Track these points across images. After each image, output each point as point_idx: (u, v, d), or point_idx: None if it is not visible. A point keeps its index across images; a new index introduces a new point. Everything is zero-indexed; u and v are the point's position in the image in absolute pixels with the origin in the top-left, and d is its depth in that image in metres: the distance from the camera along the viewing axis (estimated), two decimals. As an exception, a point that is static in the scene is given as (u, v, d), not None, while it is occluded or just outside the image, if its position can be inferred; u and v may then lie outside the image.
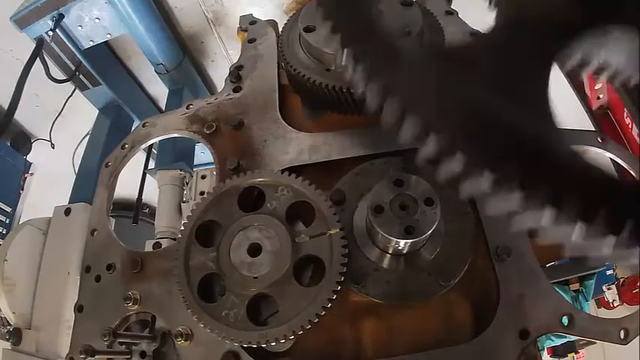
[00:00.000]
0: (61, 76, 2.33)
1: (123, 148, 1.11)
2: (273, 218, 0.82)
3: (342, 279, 0.73)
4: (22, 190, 2.48)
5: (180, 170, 1.91)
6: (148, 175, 2.16)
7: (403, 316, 0.82)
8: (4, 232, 2.30)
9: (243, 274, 0.80)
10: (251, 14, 1.23)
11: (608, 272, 3.95)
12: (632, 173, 1.01)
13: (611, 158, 0.99)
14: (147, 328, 0.95)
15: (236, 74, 1.08)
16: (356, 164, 0.90)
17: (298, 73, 0.91)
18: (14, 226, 2.31)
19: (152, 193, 2.08)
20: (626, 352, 0.95)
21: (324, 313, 0.71)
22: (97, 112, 2.60)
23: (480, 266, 0.82)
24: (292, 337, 0.74)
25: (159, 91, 2.73)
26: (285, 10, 2.10)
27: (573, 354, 3.87)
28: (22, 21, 2.09)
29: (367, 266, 0.80)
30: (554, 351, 3.79)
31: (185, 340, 0.84)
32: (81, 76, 2.40)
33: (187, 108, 1.10)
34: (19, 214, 2.44)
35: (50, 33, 2.06)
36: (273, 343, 0.75)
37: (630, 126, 1.83)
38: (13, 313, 1.46)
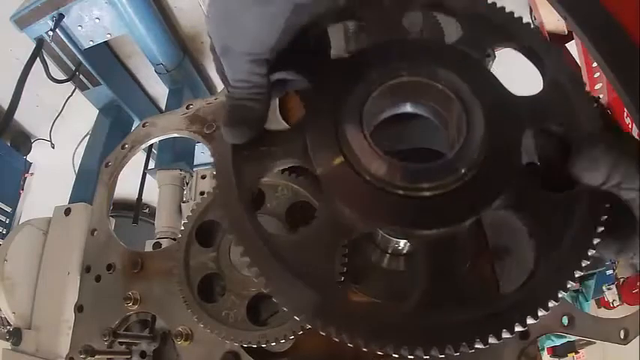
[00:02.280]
0: (61, 76, 2.33)
1: (123, 148, 1.11)
2: (273, 218, 0.82)
3: (342, 279, 0.73)
4: (22, 190, 2.48)
5: (180, 170, 1.91)
6: (148, 175, 2.16)
7: (403, 316, 0.82)
8: (4, 232, 2.30)
9: (244, 274, 0.81)
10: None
11: (608, 272, 3.95)
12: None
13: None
14: (147, 328, 0.95)
15: (236, 74, 1.08)
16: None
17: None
18: (14, 226, 2.31)
19: (152, 193, 2.08)
20: (626, 352, 0.94)
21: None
22: (97, 112, 2.60)
23: (479, 266, 0.82)
24: (292, 337, 0.74)
25: (159, 91, 2.73)
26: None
27: (573, 354, 3.86)
28: (22, 21, 2.09)
29: (367, 266, 0.80)
30: (554, 351, 3.79)
31: (185, 340, 0.84)
32: (81, 76, 2.40)
33: (187, 108, 1.10)
34: (19, 214, 2.44)
35: (50, 33, 2.06)
36: (273, 343, 0.75)
37: (630, 126, 1.82)
38: (13, 313, 1.46)
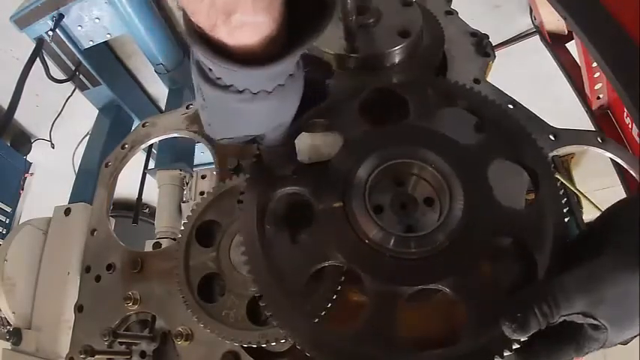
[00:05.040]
0: (61, 76, 2.33)
1: (123, 148, 1.11)
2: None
3: (343, 279, 0.73)
4: (22, 190, 2.48)
5: (180, 170, 1.91)
6: (148, 175, 2.16)
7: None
8: (4, 232, 2.30)
9: (243, 274, 0.81)
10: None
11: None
12: (632, 173, 1.01)
13: (611, 158, 0.99)
14: (147, 328, 0.95)
15: (236, 74, 1.08)
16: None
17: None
18: (14, 226, 2.30)
19: (152, 193, 2.08)
20: (626, 352, 0.94)
21: (324, 313, 0.71)
22: (97, 112, 2.59)
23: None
24: (292, 337, 0.74)
25: (159, 91, 2.72)
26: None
27: (573, 354, 3.85)
28: (21, 21, 2.09)
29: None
30: (554, 351, 3.79)
31: (185, 340, 0.84)
32: (81, 76, 2.40)
33: (187, 108, 1.10)
34: (19, 214, 2.44)
35: (50, 33, 2.06)
36: (273, 343, 0.75)
37: (630, 126, 1.82)
38: (13, 313, 1.46)
